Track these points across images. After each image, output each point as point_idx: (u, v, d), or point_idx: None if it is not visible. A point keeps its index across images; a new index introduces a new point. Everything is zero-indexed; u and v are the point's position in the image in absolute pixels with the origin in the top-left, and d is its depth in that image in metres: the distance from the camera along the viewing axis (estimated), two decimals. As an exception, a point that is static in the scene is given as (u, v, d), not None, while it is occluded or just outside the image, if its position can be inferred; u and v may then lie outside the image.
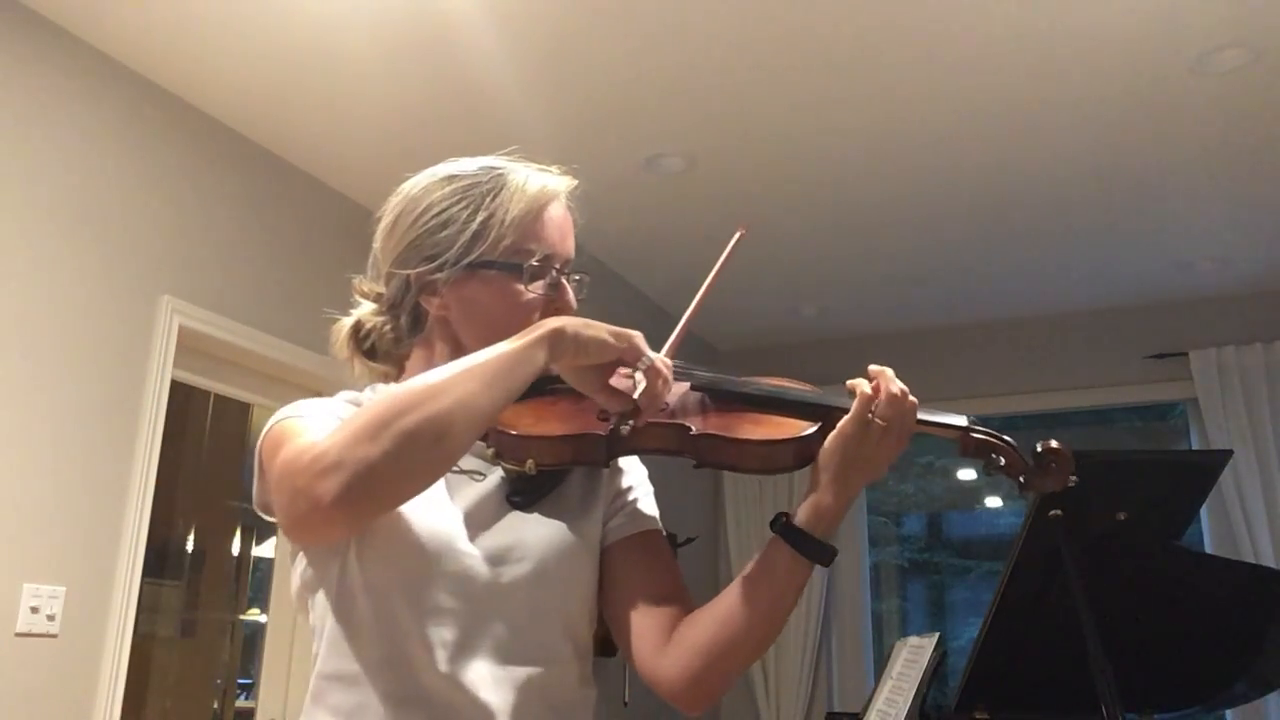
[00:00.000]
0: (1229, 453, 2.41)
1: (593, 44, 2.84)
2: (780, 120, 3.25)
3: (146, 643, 3.01)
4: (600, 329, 1.03)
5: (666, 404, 1.12)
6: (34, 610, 2.50)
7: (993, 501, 5.41)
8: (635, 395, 1.03)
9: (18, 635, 2.47)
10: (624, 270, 4.46)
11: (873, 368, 1.08)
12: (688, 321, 1.16)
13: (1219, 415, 4.45)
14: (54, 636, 2.55)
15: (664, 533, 1.21)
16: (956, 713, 2.40)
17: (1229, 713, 4.33)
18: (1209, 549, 4.38)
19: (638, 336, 1.05)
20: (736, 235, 1.26)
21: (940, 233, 4.07)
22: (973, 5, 2.67)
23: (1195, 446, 4.62)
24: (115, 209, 2.84)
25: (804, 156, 3.49)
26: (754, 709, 4.94)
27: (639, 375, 1.05)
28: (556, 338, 1.01)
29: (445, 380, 0.96)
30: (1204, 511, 4.35)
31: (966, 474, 5.44)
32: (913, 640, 2.84)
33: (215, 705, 3.78)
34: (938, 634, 2.72)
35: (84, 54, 2.80)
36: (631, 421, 1.04)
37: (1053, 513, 2.10)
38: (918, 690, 2.57)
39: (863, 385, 1.06)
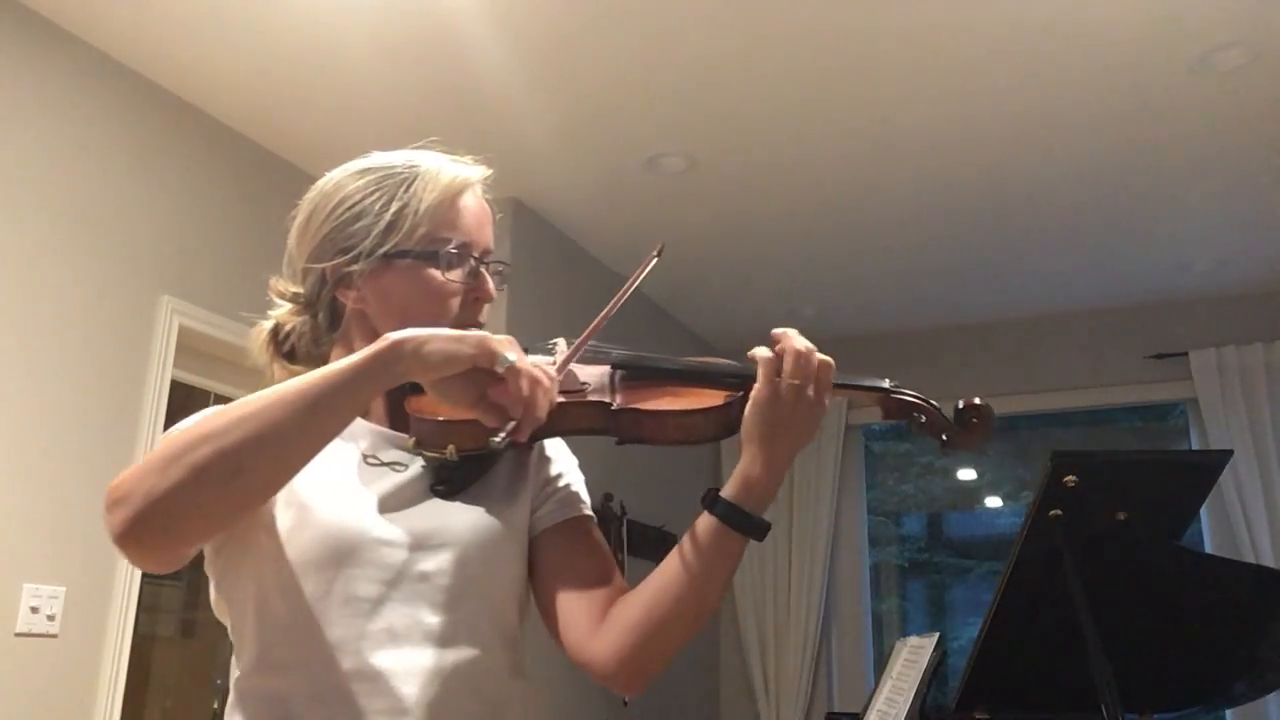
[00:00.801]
0: (1229, 453, 2.41)
1: (593, 44, 2.84)
2: (780, 120, 3.25)
3: (146, 643, 3.01)
4: (446, 337, 0.96)
5: (586, 384, 1.12)
6: (34, 610, 2.50)
7: (993, 501, 5.41)
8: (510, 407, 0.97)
9: (18, 635, 2.47)
10: (624, 270, 4.46)
11: (775, 331, 1.07)
12: (592, 332, 1.12)
13: (1219, 415, 4.44)
14: (54, 636, 2.55)
15: (595, 518, 1.20)
16: (956, 713, 2.40)
17: (1229, 713, 4.33)
18: (1209, 549, 4.38)
19: (495, 340, 0.97)
20: (655, 253, 1.22)
21: (940, 233, 4.07)
22: (973, 5, 2.67)
23: (1195, 446, 4.62)
24: (115, 209, 2.84)
25: (804, 157, 3.49)
26: (754, 709, 4.94)
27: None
28: (392, 355, 0.94)
29: (253, 408, 0.91)
30: (1204, 511, 4.34)
31: (966, 474, 5.44)
32: (913, 640, 2.84)
33: (215, 705, 3.79)
34: (938, 634, 2.72)
35: (84, 54, 2.80)
36: (505, 433, 0.97)
37: (1053, 513, 2.10)
38: (918, 690, 2.57)
39: (763, 351, 1.06)
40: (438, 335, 0.96)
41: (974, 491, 5.47)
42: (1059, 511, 2.09)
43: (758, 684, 4.92)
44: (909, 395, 1.11)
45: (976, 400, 1.10)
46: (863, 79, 3.02)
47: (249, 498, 0.92)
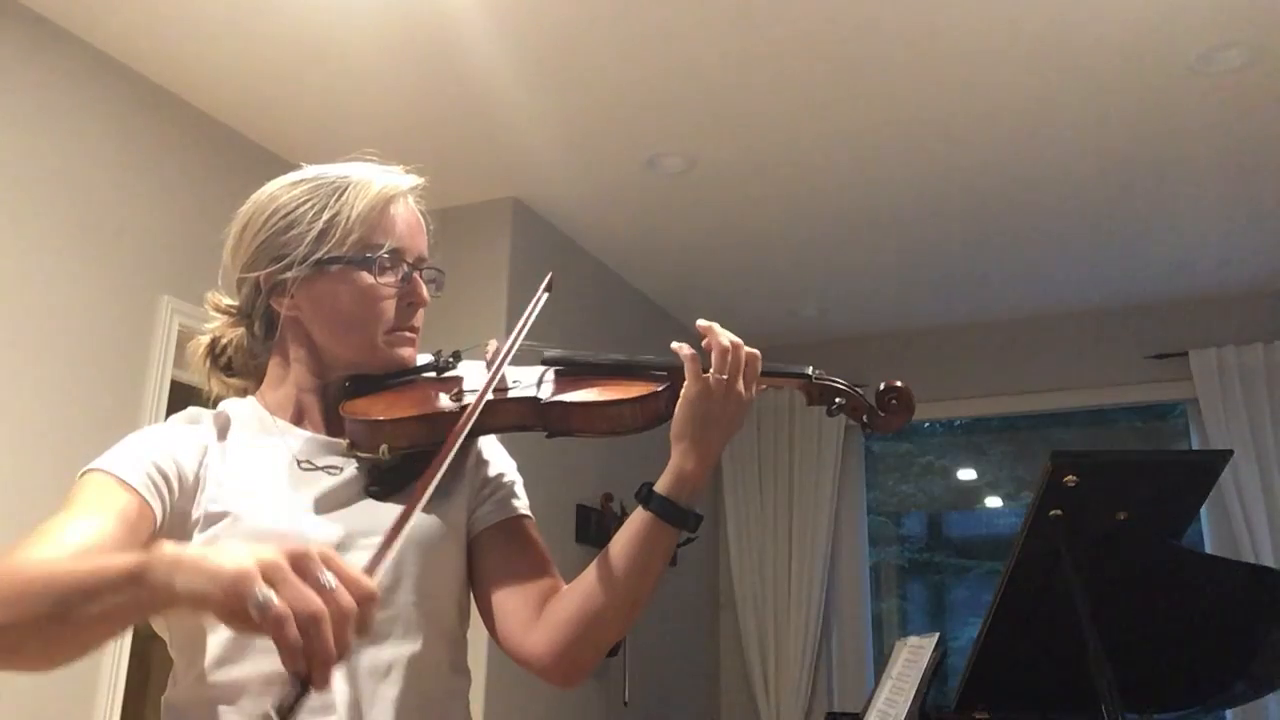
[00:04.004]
0: (1229, 453, 2.40)
1: (593, 44, 2.84)
2: (780, 120, 3.25)
3: (146, 643, 3.01)
4: (197, 569, 0.74)
5: (516, 381, 1.14)
6: (34, 610, 2.50)
7: (993, 501, 5.41)
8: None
9: (18, 635, 2.47)
10: (624, 270, 4.46)
11: (701, 324, 1.09)
12: (484, 392, 1.07)
13: (1219, 415, 4.44)
14: (54, 636, 2.55)
15: (532, 518, 1.21)
16: (956, 713, 2.40)
17: (1229, 713, 4.33)
18: (1209, 549, 4.38)
19: (261, 569, 0.72)
20: (544, 285, 1.22)
21: (940, 233, 4.07)
22: (973, 6, 2.67)
23: (1195, 446, 4.62)
24: (115, 209, 2.84)
25: (804, 157, 3.49)
26: (754, 709, 4.94)
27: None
28: (136, 579, 0.77)
29: (16, 587, 0.81)
30: (1204, 511, 4.34)
31: (966, 474, 5.44)
32: (913, 640, 2.84)
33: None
34: (938, 634, 2.72)
35: (84, 54, 2.80)
36: (291, 697, 0.73)
37: (1053, 513, 2.10)
38: (918, 690, 2.57)
39: (684, 348, 1.08)
40: (193, 564, 0.75)
41: (974, 491, 5.47)
42: (1059, 511, 2.09)
43: (758, 684, 4.92)
44: (830, 381, 1.15)
45: (897, 383, 1.14)
46: (862, 79, 3.02)
47: (20, 667, 0.84)
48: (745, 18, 2.73)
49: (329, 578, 0.74)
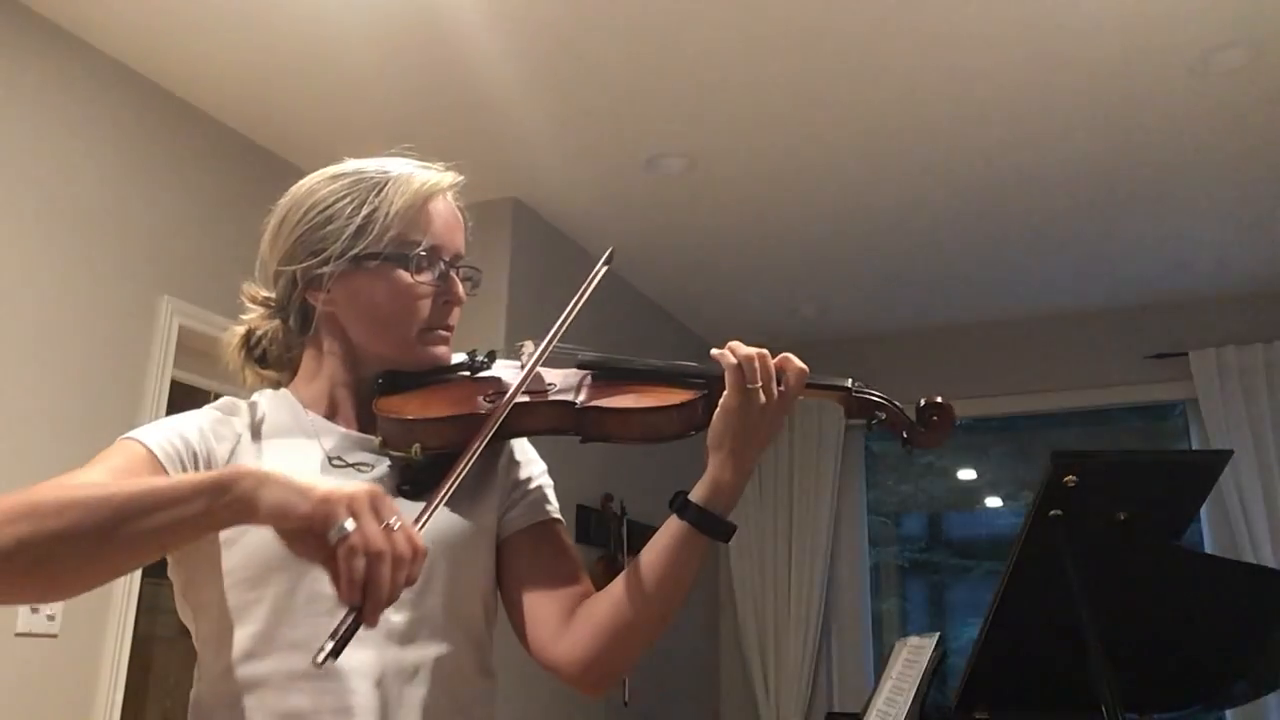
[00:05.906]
0: (1229, 453, 2.40)
1: (593, 44, 2.84)
2: (780, 120, 3.25)
3: (146, 643, 3.01)
4: (287, 485, 0.83)
5: (551, 384, 1.13)
6: (34, 610, 2.50)
7: (993, 501, 5.41)
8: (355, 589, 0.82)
9: (18, 635, 2.47)
10: (624, 270, 4.46)
11: (731, 344, 1.08)
12: (540, 356, 1.10)
13: (1219, 415, 4.44)
14: (54, 636, 2.55)
15: (562, 521, 1.21)
16: (956, 713, 2.40)
17: (1229, 713, 4.33)
18: (1209, 549, 4.38)
19: (346, 499, 0.82)
20: (604, 260, 1.22)
21: (940, 233, 4.07)
22: (973, 6, 2.67)
23: (1195, 446, 4.62)
24: (115, 209, 2.84)
25: (804, 157, 3.49)
26: (754, 709, 4.94)
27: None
28: (222, 487, 0.83)
29: (86, 496, 0.84)
30: (1204, 511, 4.35)
31: (966, 474, 5.44)
32: (913, 640, 2.84)
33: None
34: (938, 634, 2.72)
35: (84, 54, 2.80)
36: (342, 625, 0.82)
37: (1053, 513, 2.10)
38: (918, 690, 2.57)
39: (727, 356, 1.06)
40: (282, 480, 0.84)
41: (974, 491, 5.47)
42: (1059, 512, 2.09)
43: (758, 684, 4.92)
44: (870, 394, 1.12)
45: (938, 399, 1.11)
46: (863, 79, 3.02)
47: (58, 587, 0.85)
48: (746, 18, 2.73)
49: (396, 523, 0.83)
